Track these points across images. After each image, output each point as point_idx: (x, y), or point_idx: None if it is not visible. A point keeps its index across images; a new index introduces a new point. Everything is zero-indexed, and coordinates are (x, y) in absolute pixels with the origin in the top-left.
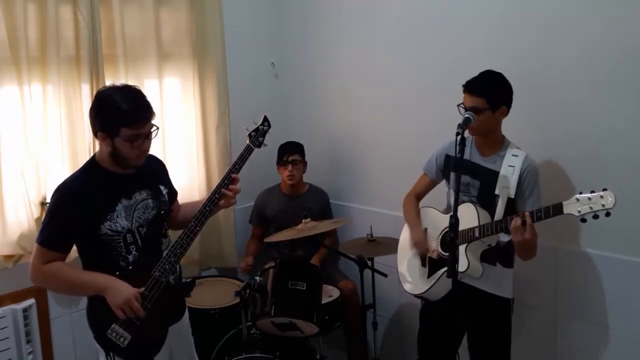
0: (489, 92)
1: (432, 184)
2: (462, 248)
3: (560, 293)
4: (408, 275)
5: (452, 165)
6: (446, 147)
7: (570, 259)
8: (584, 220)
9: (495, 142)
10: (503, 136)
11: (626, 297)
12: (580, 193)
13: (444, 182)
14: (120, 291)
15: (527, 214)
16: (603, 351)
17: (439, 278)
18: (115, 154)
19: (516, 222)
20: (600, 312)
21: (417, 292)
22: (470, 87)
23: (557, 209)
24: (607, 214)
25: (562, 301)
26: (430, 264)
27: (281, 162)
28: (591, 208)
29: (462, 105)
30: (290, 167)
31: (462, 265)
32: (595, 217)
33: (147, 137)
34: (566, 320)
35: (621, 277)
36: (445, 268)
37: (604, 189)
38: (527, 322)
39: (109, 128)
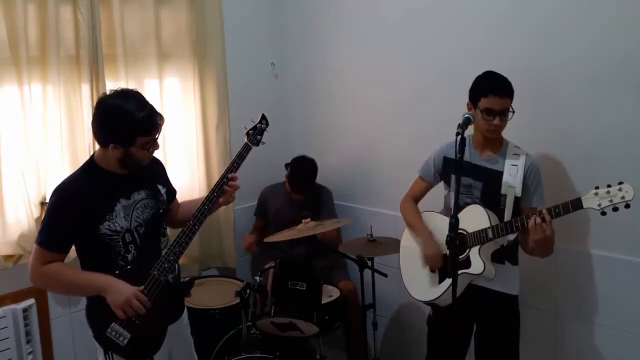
0: (512, 92)
1: (428, 187)
2: (475, 250)
3: (562, 293)
4: (417, 282)
5: (451, 167)
6: (443, 149)
7: (571, 259)
8: (604, 213)
9: (496, 143)
10: (502, 136)
11: (626, 297)
12: (597, 187)
13: (440, 185)
14: (120, 290)
15: (544, 211)
16: (604, 351)
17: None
18: (126, 160)
19: (535, 220)
20: (600, 311)
21: (428, 298)
22: (503, 88)
23: (577, 204)
24: (627, 206)
25: (564, 301)
26: (441, 270)
27: (292, 188)
28: (611, 201)
29: (485, 110)
30: (296, 195)
31: (478, 268)
32: (615, 209)
33: (157, 138)
34: (567, 320)
35: (621, 277)
36: (462, 271)
37: (620, 182)
38: (529, 322)
39: (125, 140)
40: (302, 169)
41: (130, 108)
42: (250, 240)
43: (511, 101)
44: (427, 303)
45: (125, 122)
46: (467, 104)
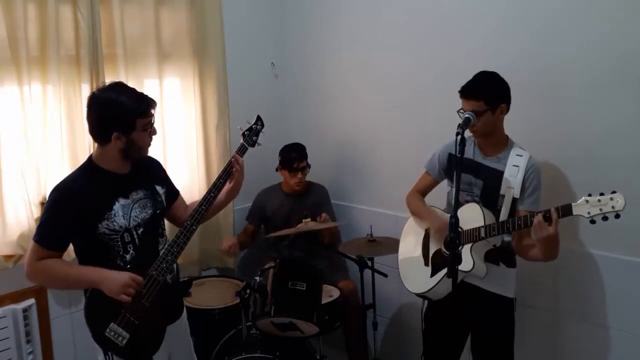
0: (485, 93)
1: (434, 183)
2: (467, 247)
3: (561, 293)
4: (410, 274)
5: (456, 164)
6: (448, 146)
7: (570, 259)
8: (593, 221)
9: (498, 142)
10: (506, 136)
11: (626, 297)
12: (589, 195)
13: (444, 181)
14: (115, 278)
15: (552, 210)
16: (603, 351)
17: (442, 277)
18: (129, 149)
19: (539, 218)
20: (600, 312)
21: (419, 290)
22: (466, 91)
23: (567, 210)
24: (617, 216)
25: (563, 301)
26: (434, 263)
27: (291, 169)
28: (601, 210)
29: (461, 110)
30: (300, 174)
31: (467, 265)
32: (605, 219)
33: (153, 123)
34: (567, 320)
35: (621, 277)
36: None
37: (613, 192)
38: (528, 323)
39: (126, 125)
40: (288, 147)
41: (122, 96)
42: (232, 242)
43: (483, 102)
44: (419, 295)
45: (123, 108)
46: None
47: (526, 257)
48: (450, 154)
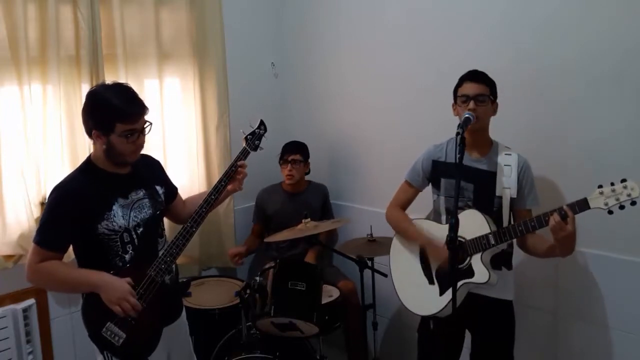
0: (491, 82)
1: (415, 193)
2: (476, 257)
3: (561, 293)
4: (416, 296)
5: (441, 171)
6: (431, 153)
7: (570, 259)
8: (611, 212)
9: (484, 143)
10: (490, 137)
11: (626, 297)
12: (600, 186)
13: (425, 190)
14: (115, 287)
15: (566, 208)
16: (603, 351)
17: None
18: (110, 151)
19: (555, 218)
20: (600, 312)
21: (431, 312)
22: (476, 75)
23: (583, 205)
24: (633, 203)
25: (563, 301)
26: (440, 280)
27: (282, 160)
28: (617, 199)
29: (462, 96)
30: (289, 166)
31: (482, 277)
32: (622, 207)
33: (142, 132)
34: (567, 320)
35: (621, 277)
36: (464, 281)
37: (623, 180)
38: (528, 323)
39: (104, 125)
40: (288, 142)
41: (109, 95)
42: (236, 251)
43: (489, 89)
44: (429, 317)
45: (105, 108)
46: (452, 105)
47: (536, 254)
48: (434, 161)
